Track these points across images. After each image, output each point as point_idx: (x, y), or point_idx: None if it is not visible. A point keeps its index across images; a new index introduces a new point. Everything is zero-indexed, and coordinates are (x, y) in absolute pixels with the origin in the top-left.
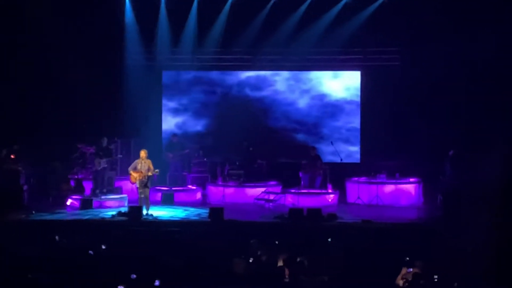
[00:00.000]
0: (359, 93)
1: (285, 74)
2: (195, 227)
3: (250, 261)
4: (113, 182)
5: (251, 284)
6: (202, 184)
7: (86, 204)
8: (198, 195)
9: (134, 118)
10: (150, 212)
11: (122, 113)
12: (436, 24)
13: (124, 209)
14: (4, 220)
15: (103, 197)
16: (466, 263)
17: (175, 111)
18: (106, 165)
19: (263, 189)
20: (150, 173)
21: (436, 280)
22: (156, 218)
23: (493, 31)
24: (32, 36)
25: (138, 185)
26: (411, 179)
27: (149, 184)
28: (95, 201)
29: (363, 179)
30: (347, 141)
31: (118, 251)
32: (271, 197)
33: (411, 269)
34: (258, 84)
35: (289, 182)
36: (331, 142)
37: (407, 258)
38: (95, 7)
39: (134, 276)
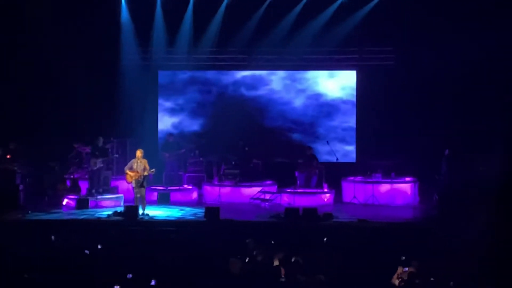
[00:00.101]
0: (354, 92)
1: (281, 73)
2: (191, 226)
3: (246, 260)
4: (109, 181)
5: (247, 284)
6: (198, 183)
7: (82, 203)
8: (194, 195)
9: (130, 118)
10: (146, 211)
11: (118, 113)
12: (431, 24)
13: (120, 209)
14: (0, 220)
15: (99, 196)
16: (462, 262)
17: (172, 111)
18: (102, 165)
19: (259, 189)
20: (146, 173)
21: (431, 279)
22: (152, 217)
23: (488, 30)
24: (29, 36)
25: (134, 185)
26: (407, 179)
27: (145, 184)
28: (91, 200)
29: (359, 178)
30: (343, 140)
31: (114, 250)
32: (267, 196)
33: (407, 269)
34: (254, 84)
35: (285, 181)
36: (327, 142)
37: (403, 257)
38: (91, 7)
39: (130, 275)
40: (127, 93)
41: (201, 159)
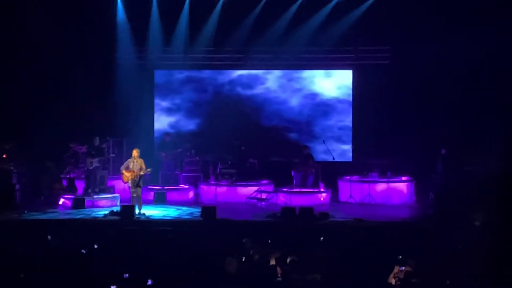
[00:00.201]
0: (351, 92)
1: (277, 73)
2: (187, 226)
3: (243, 260)
4: (105, 181)
5: (243, 283)
6: (194, 183)
7: (78, 203)
8: (191, 194)
9: (126, 117)
10: (142, 211)
11: (114, 112)
12: (427, 23)
13: (116, 209)
14: None
15: (95, 196)
16: (458, 261)
17: (168, 111)
18: (98, 165)
19: (255, 188)
20: (142, 172)
21: (428, 278)
22: (148, 217)
23: (485, 29)
24: (25, 36)
25: (130, 185)
26: (403, 178)
27: (141, 183)
28: (87, 200)
29: (355, 177)
30: (339, 139)
31: (110, 250)
32: (264, 196)
33: (404, 268)
34: (250, 83)
35: (281, 181)
36: (323, 141)
37: (400, 257)
38: (87, 7)
39: (127, 275)
40: (123, 92)
41: (197, 158)
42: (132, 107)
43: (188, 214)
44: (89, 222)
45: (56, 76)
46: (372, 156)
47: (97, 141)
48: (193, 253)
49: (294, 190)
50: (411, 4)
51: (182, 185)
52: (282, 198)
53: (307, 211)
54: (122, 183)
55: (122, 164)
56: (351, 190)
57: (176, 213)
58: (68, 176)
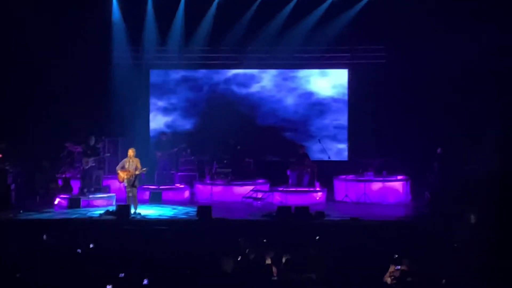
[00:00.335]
0: (346, 91)
1: (272, 72)
2: (183, 225)
3: (238, 259)
4: (101, 181)
5: (239, 282)
6: (190, 182)
7: (74, 203)
8: (186, 194)
9: (122, 117)
10: (138, 210)
11: (110, 112)
12: (422, 22)
13: (112, 208)
14: None
15: (91, 196)
16: (454, 260)
17: (165, 110)
18: (93, 164)
19: (251, 187)
20: (137, 172)
21: (423, 277)
22: (144, 216)
23: (480, 28)
24: (20, 36)
25: (126, 184)
26: (399, 177)
27: (136, 183)
28: (83, 200)
29: (350, 177)
30: (334, 139)
31: (106, 250)
32: (259, 195)
33: (399, 267)
34: (245, 83)
35: (277, 180)
36: (319, 140)
37: (395, 256)
38: (82, 6)
39: (122, 275)
40: (119, 92)
41: (193, 158)
42: (128, 107)
43: (183, 214)
44: (84, 222)
45: (51, 76)
46: (368, 155)
47: (92, 140)
48: (189, 252)
49: (290, 189)
50: (406, 3)
51: (177, 185)
52: (278, 197)
53: (302, 210)
54: (117, 183)
55: (117, 163)
56: (347, 189)
57: (172, 213)
58: (63, 175)
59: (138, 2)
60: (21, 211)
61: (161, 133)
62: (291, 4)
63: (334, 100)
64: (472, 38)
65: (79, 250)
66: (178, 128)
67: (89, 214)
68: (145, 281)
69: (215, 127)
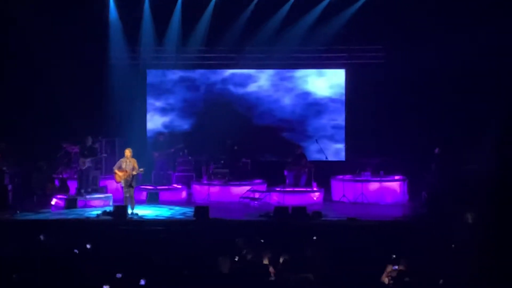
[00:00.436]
0: (343, 91)
1: (270, 72)
2: (180, 226)
3: (236, 259)
4: (98, 181)
5: (236, 283)
6: (187, 183)
7: (71, 203)
8: (183, 194)
9: (119, 117)
10: (135, 211)
11: (107, 112)
12: (420, 22)
13: (109, 209)
14: None
15: (88, 196)
16: (451, 260)
17: (162, 111)
18: (90, 164)
19: (248, 188)
20: (135, 172)
21: (421, 277)
22: (141, 217)
23: (478, 28)
24: (17, 35)
25: (123, 184)
26: (396, 177)
27: (134, 183)
28: (80, 200)
29: (348, 177)
30: (332, 139)
31: (103, 250)
32: (256, 195)
33: (397, 267)
34: (242, 82)
35: (274, 180)
36: (316, 140)
37: (393, 256)
38: (80, 6)
39: (120, 275)
40: (116, 92)
41: (190, 158)
42: (125, 107)
43: (181, 214)
44: (81, 222)
45: (48, 76)
46: (365, 155)
47: (89, 141)
48: (186, 252)
49: (287, 189)
50: (403, 3)
51: (175, 185)
52: (275, 198)
53: (300, 211)
54: (114, 183)
55: (114, 164)
56: (344, 189)
57: (169, 213)
58: (60, 176)
59: (135, 2)
60: (18, 212)
61: (159, 134)
62: (288, 4)
63: (332, 100)
64: (470, 38)
65: (76, 251)
66: (176, 129)
67: (86, 214)
68: (142, 282)
69: (212, 127)
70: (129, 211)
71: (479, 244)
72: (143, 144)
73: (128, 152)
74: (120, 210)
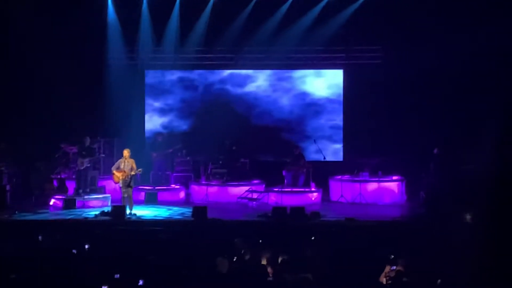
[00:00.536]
0: (341, 91)
1: (268, 72)
2: (178, 226)
3: (234, 260)
4: (96, 181)
5: (234, 283)
6: (185, 183)
7: (69, 204)
8: (182, 194)
9: (117, 118)
10: (133, 211)
11: (105, 113)
12: (418, 22)
13: (107, 209)
14: None
15: (86, 196)
16: (449, 260)
17: (161, 111)
18: (89, 165)
19: (246, 188)
20: (133, 173)
21: (419, 277)
22: (139, 217)
23: (476, 29)
24: (15, 36)
25: (121, 185)
26: (394, 177)
27: (132, 184)
28: (78, 200)
29: (346, 177)
30: (330, 139)
31: (101, 250)
32: (255, 195)
33: (395, 267)
34: (241, 83)
35: (272, 180)
36: (314, 141)
37: (391, 256)
38: (78, 7)
39: (118, 275)
40: (114, 92)
41: (188, 158)
42: (123, 107)
43: (179, 214)
44: (80, 223)
45: (46, 76)
46: (363, 155)
47: (87, 141)
48: (184, 253)
49: (285, 189)
50: (402, 3)
51: (173, 185)
52: (273, 198)
53: (298, 211)
54: (113, 184)
55: (113, 164)
56: (342, 189)
57: (167, 213)
58: (58, 176)
59: (133, 3)
60: (16, 212)
61: (157, 134)
62: (286, 5)
63: (330, 100)
64: (468, 38)
65: (74, 251)
66: (175, 129)
67: (84, 214)
68: (141, 282)
69: (211, 128)
70: (128, 211)
71: (478, 244)
72: (141, 145)
73: (126, 153)
74: (118, 210)
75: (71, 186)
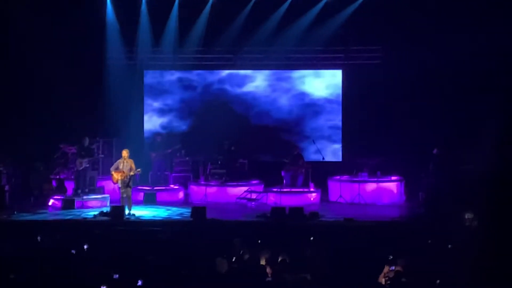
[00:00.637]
0: (340, 91)
1: (267, 73)
2: (177, 226)
3: (233, 260)
4: (95, 182)
5: (233, 283)
6: (184, 183)
7: (68, 204)
8: (181, 195)
9: (116, 118)
10: (132, 211)
11: (104, 113)
12: (416, 23)
13: (106, 209)
14: None
15: (85, 197)
16: (448, 261)
17: (160, 111)
18: (88, 165)
19: (245, 188)
20: (132, 173)
21: (418, 278)
22: (138, 217)
23: (475, 29)
24: (14, 36)
25: (120, 185)
26: (393, 177)
27: (131, 184)
28: (77, 201)
29: (345, 177)
30: (329, 139)
31: (100, 251)
32: (253, 196)
33: (394, 267)
34: (239, 83)
35: (271, 181)
36: (313, 141)
37: (390, 256)
38: (77, 7)
39: (117, 276)
40: (113, 93)
41: (187, 158)
42: (122, 107)
43: (178, 215)
44: (79, 223)
45: (45, 76)
46: (362, 155)
47: (86, 141)
48: (183, 253)
49: (284, 190)
50: (401, 4)
51: (172, 186)
52: (272, 198)
53: (297, 211)
54: (112, 184)
55: (112, 164)
56: (341, 190)
57: (166, 214)
58: (57, 176)
59: (132, 3)
60: (15, 212)
61: (156, 134)
62: (285, 5)
63: (329, 100)
64: (467, 38)
65: (73, 251)
66: (174, 129)
67: (83, 215)
68: (140, 282)
69: (209, 128)
70: (126, 211)
71: (476, 244)
72: (140, 145)
73: (125, 153)
74: (117, 210)
75: (70, 186)
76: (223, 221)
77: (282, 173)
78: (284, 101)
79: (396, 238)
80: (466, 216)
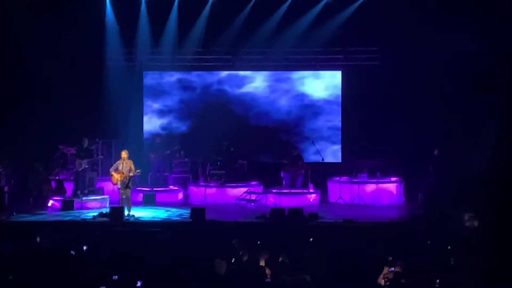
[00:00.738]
0: (339, 92)
1: (266, 73)
2: (176, 227)
3: (232, 261)
4: (94, 183)
5: (233, 284)
6: (183, 184)
7: (67, 205)
8: (180, 196)
9: (115, 119)
10: (131, 212)
11: (103, 114)
12: (415, 24)
13: (105, 210)
14: None
15: (84, 198)
16: (447, 261)
17: (160, 112)
18: (87, 166)
19: (244, 189)
20: (131, 174)
21: (417, 279)
22: (137, 218)
23: (474, 30)
24: (13, 37)
25: (119, 186)
26: (392, 178)
27: (130, 185)
28: (76, 202)
29: (344, 178)
30: (328, 140)
31: (99, 252)
32: (253, 197)
33: (393, 268)
34: (239, 84)
35: (270, 182)
36: (312, 142)
37: (389, 258)
38: (76, 7)
39: (116, 277)
40: (112, 94)
41: (186, 159)
42: (121, 109)
43: (177, 216)
44: (78, 224)
45: (44, 77)
46: (362, 156)
47: (86, 142)
48: (183, 254)
49: (284, 191)
50: (399, 5)
51: (171, 187)
52: (272, 199)
53: (296, 212)
54: (111, 185)
55: (111, 165)
56: (341, 191)
57: (166, 215)
58: (57, 177)
59: (131, 4)
60: (14, 213)
61: (155, 135)
62: (285, 6)
63: (328, 101)
64: (466, 39)
65: (72, 252)
66: (174, 130)
67: (82, 216)
68: (139, 283)
69: (209, 129)
70: (126, 212)
71: (476, 245)
72: (139, 146)
73: (124, 154)
74: (116, 211)
75: (69, 187)
76: (222, 222)
77: (282, 174)
78: (283, 102)
79: (396, 239)
80: (466, 217)
